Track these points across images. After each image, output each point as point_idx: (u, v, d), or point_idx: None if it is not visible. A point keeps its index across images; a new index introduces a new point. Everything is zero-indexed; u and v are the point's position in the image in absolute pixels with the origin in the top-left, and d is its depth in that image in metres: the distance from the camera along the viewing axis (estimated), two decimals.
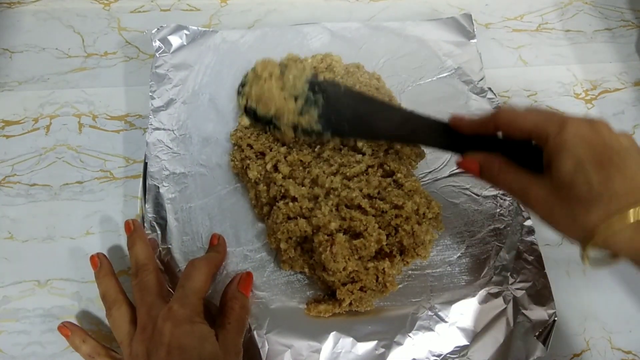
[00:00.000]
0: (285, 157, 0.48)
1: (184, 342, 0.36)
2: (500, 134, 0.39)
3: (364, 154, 0.48)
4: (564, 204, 0.34)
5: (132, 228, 0.45)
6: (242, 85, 0.49)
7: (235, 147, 0.50)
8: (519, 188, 0.37)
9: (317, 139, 0.47)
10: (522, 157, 0.38)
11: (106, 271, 0.43)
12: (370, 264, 0.43)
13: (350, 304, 0.43)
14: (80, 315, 0.46)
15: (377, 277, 0.43)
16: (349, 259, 0.42)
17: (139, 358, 0.37)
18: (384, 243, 0.43)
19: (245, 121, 0.50)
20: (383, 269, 0.43)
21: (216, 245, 0.46)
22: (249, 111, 0.48)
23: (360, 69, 0.55)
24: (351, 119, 0.45)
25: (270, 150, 0.49)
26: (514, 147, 0.38)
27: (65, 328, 0.42)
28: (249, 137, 0.50)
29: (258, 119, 0.48)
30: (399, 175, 0.46)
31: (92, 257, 0.44)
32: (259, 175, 0.48)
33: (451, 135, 0.41)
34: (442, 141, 0.42)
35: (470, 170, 0.40)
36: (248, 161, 0.48)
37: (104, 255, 0.44)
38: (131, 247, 0.44)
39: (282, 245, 0.44)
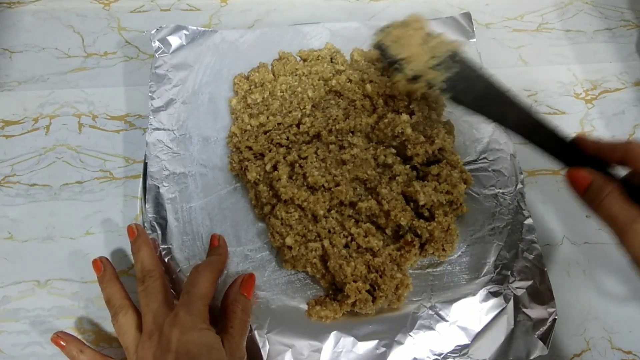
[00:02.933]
0: (284, 157, 0.48)
1: (191, 349, 0.36)
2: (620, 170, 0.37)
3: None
4: None
5: (136, 233, 0.44)
6: (387, 26, 0.49)
7: (234, 150, 0.50)
8: (622, 220, 0.33)
9: (430, 92, 0.46)
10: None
11: (110, 276, 0.43)
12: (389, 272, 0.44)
13: (354, 304, 0.43)
14: (80, 316, 0.46)
15: (397, 287, 0.44)
16: (364, 280, 0.43)
17: None
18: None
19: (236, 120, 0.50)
20: (400, 282, 0.44)
21: (217, 247, 0.46)
22: (381, 46, 0.48)
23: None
24: (477, 95, 0.44)
25: (270, 151, 0.49)
26: (634, 190, 0.35)
27: (59, 338, 0.41)
28: (247, 140, 0.50)
29: (386, 57, 0.47)
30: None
31: (94, 261, 0.44)
32: (257, 176, 0.48)
33: (569, 148, 0.40)
34: (558, 149, 0.40)
35: (577, 184, 0.37)
36: (247, 162, 0.48)
37: (107, 260, 0.44)
38: (136, 252, 0.43)
39: (288, 241, 0.44)
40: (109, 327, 0.45)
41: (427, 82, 0.45)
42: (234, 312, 0.41)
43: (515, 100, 0.44)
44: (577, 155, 0.39)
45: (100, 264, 0.43)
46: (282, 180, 0.46)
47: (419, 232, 0.45)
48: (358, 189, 0.47)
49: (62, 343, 0.41)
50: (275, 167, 0.48)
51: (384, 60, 0.48)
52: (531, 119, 0.42)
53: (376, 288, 0.43)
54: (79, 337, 0.44)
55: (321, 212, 0.45)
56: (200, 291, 0.40)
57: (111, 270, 0.43)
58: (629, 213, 0.33)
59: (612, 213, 0.34)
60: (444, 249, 0.45)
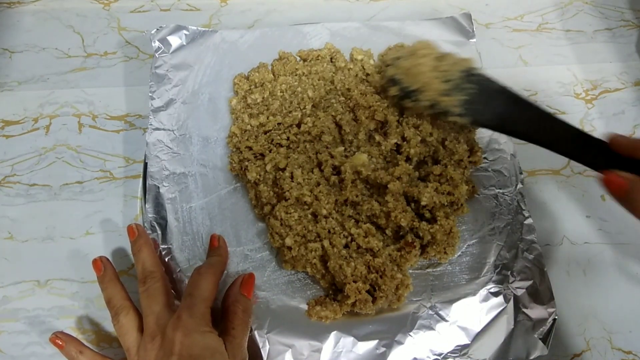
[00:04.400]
0: (285, 158, 0.48)
1: (194, 352, 0.36)
2: None
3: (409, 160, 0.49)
4: None
5: (137, 233, 0.44)
6: (397, 58, 0.50)
7: (234, 150, 0.50)
8: None
9: (450, 118, 0.47)
10: None
11: (110, 276, 0.43)
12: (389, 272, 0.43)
13: (354, 304, 0.43)
14: (80, 316, 0.46)
15: (398, 288, 0.44)
16: (364, 281, 0.43)
17: None
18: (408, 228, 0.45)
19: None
20: (401, 283, 0.44)
21: (217, 248, 0.45)
22: (395, 80, 0.48)
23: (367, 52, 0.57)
24: (499, 115, 0.45)
25: (270, 152, 0.49)
26: None
27: (57, 339, 0.41)
28: (247, 140, 0.50)
29: (401, 89, 0.48)
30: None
31: (94, 261, 0.43)
32: (258, 176, 0.48)
33: (601, 152, 0.39)
34: (589, 156, 0.40)
35: (614, 189, 0.36)
36: (247, 162, 0.48)
37: (107, 260, 0.44)
38: (137, 253, 0.43)
39: (288, 241, 0.44)
40: (109, 327, 0.45)
41: (443, 108, 0.45)
42: (235, 313, 0.40)
43: (544, 110, 0.43)
44: (614, 159, 0.38)
45: (100, 264, 0.43)
46: (296, 174, 0.46)
47: (421, 234, 0.45)
48: (359, 186, 0.47)
49: (60, 343, 0.40)
50: (279, 168, 0.48)
51: (401, 92, 0.48)
52: (561, 126, 0.42)
53: (376, 288, 0.43)
54: (79, 337, 0.44)
55: (324, 212, 0.45)
56: (202, 293, 0.40)
57: (111, 271, 0.43)
58: None
59: None
60: (445, 252, 0.45)
